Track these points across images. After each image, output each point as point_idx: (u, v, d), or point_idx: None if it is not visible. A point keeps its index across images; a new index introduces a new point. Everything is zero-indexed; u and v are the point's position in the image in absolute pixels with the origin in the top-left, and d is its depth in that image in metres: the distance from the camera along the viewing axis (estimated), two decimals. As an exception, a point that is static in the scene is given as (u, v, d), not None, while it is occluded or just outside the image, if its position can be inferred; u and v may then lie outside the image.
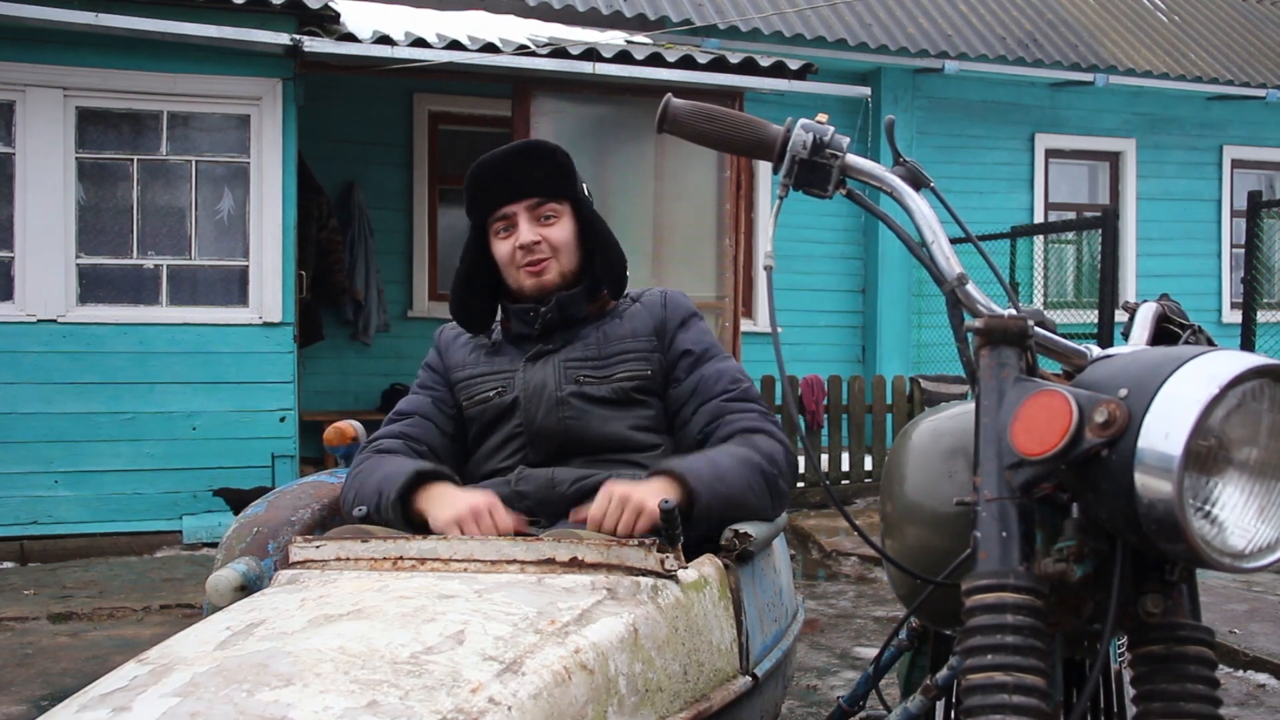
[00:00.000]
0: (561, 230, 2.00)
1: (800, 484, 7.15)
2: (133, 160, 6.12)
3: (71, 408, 5.95)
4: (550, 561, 1.46)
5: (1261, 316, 6.57)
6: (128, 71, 5.99)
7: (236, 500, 6.00)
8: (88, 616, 4.66)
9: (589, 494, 1.83)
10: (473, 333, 2.10)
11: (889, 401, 7.74)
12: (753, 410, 1.94)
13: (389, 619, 1.26)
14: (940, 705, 1.61)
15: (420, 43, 6.36)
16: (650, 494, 1.67)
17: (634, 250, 2.15)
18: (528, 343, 2.03)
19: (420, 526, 1.76)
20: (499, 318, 2.11)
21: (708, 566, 1.63)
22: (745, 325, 8.04)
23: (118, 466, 6.02)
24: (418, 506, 1.77)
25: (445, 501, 1.74)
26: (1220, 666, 3.69)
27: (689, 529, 1.70)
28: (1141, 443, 1.04)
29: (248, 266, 6.24)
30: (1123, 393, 1.08)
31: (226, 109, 6.21)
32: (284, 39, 5.98)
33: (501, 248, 2.01)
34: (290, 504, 1.94)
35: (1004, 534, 1.10)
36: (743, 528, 1.75)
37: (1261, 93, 9.71)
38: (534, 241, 1.97)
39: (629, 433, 1.93)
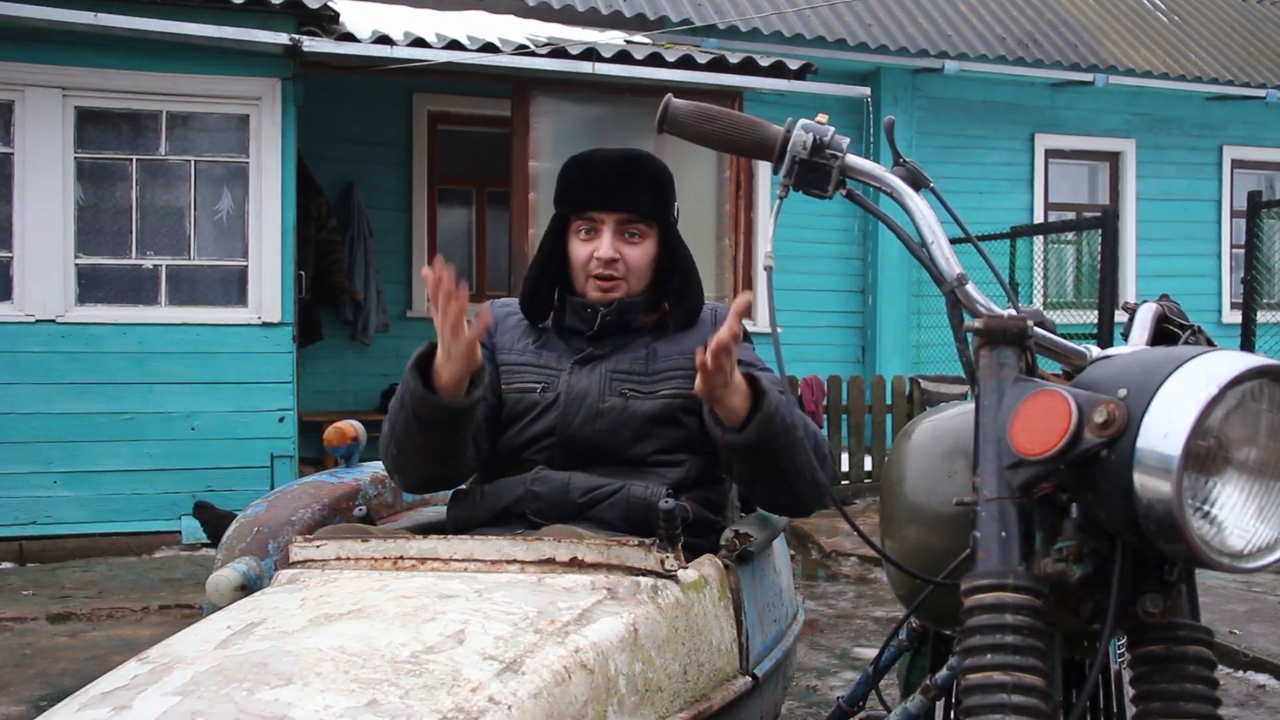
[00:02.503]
0: (642, 252, 1.98)
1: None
2: (132, 160, 6.12)
3: (71, 408, 5.95)
4: (550, 561, 1.46)
5: (1261, 317, 6.57)
6: (127, 71, 5.99)
7: (212, 521, 5.65)
8: (87, 617, 4.66)
9: (600, 503, 1.84)
10: (534, 322, 2.06)
11: (889, 401, 7.74)
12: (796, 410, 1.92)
13: (389, 618, 1.26)
14: (940, 705, 1.61)
15: (419, 43, 6.36)
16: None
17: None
18: (579, 339, 2.00)
19: (440, 399, 1.72)
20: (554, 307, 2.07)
21: (708, 566, 1.63)
22: (745, 325, 8.03)
23: (117, 467, 6.02)
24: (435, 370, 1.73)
25: None
26: (1220, 667, 3.70)
27: (745, 451, 1.69)
28: (1141, 443, 1.05)
29: (247, 267, 6.24)
30: (1122, 393, 1.08)
31: (226, 109, 6.21)
32: (283, 39, 5.99)
33: (579, 250, 1.98)
34: (290, 504, 1.94)
35: (1003, 534, 1.11)
36: (743, 528, 1.75)
37: (1261, 93, 9.71)
38: (612, 259, 1.94)
39: (657, 453, 1.92)
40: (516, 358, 2.01)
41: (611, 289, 1.96)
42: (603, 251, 1.94)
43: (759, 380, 1.71)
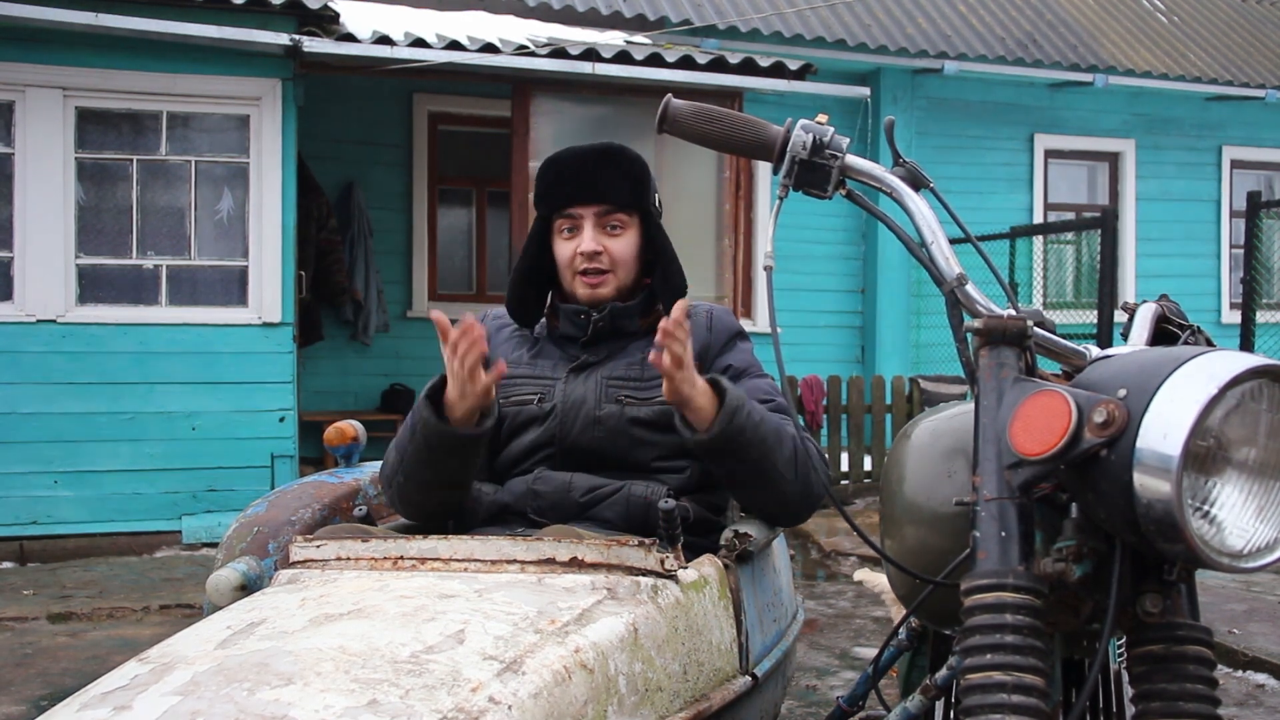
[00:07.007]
0: (625, 243, 1.97)
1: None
2: (132, 160, 6.12)
3: (71, 408, 5.95)
4: (550, 561, 1.46)
5: (1260, 317, 6.57)
6: (127, 71, 6.00)
7: None
8: (87, 616, 4.66)
9: (601, 502, 1.84)
10: (523, 325, 2.07)
11: (888, 402, 7.74)
12: (787, 419, 1.91)
13: (389, 618, 1.26)
14: (940, 705, 1.61)
15: (420, 43, 6.36)
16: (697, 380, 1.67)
17: (634, 250, 2.12)
18: (573, 346, 2.00)
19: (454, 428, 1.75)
20: (546, 313, 2.08)
21: (708, 566, 1.63)
22: (745, 325, 8.03)
23: (118, 466, 6.02)
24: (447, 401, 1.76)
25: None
26: (1219, 666, 3.70)
27: (715, 453, 1.70)
28: (1140, 443, 1.05)
29: (247, 267, 6.24)
30: (1122, 393, 1.08)
31: (226, 109, 6.21)
32: (284, 39, 5.99)
33: (563, 248, 1.98)
34: (290, 504, 1.94)
35: (1003, 534, 1.11)
36: (743, 528, 1.75)
37: (1260, 93, 9.70)
38: (595, 251, 1.94)
39: (658, 459, 1.92)
40: (511, 370, 2.00)
41: (599, 284, 1.96)
42: (585, 245, 1.94)
43: (720, 381, 1.73)
